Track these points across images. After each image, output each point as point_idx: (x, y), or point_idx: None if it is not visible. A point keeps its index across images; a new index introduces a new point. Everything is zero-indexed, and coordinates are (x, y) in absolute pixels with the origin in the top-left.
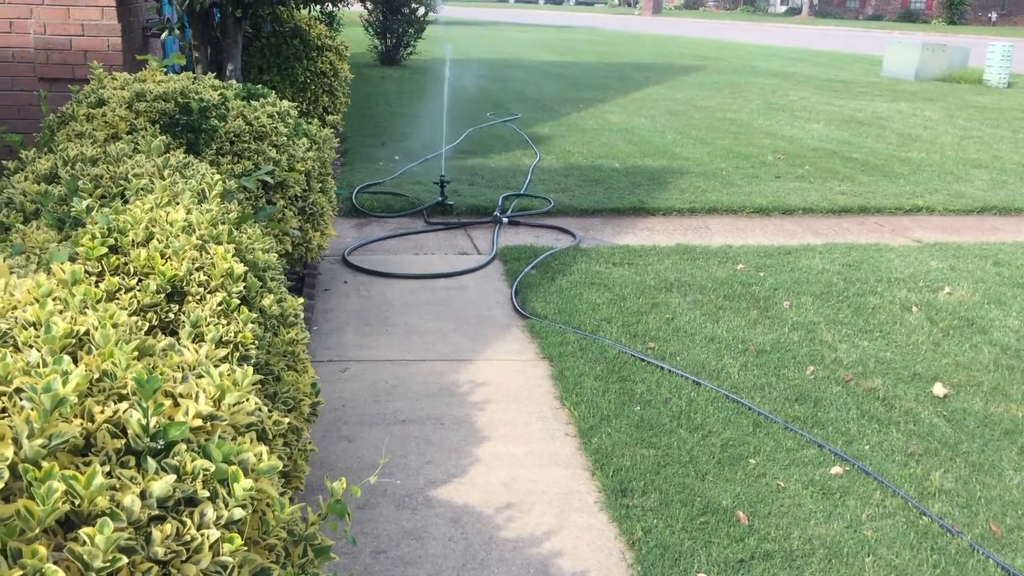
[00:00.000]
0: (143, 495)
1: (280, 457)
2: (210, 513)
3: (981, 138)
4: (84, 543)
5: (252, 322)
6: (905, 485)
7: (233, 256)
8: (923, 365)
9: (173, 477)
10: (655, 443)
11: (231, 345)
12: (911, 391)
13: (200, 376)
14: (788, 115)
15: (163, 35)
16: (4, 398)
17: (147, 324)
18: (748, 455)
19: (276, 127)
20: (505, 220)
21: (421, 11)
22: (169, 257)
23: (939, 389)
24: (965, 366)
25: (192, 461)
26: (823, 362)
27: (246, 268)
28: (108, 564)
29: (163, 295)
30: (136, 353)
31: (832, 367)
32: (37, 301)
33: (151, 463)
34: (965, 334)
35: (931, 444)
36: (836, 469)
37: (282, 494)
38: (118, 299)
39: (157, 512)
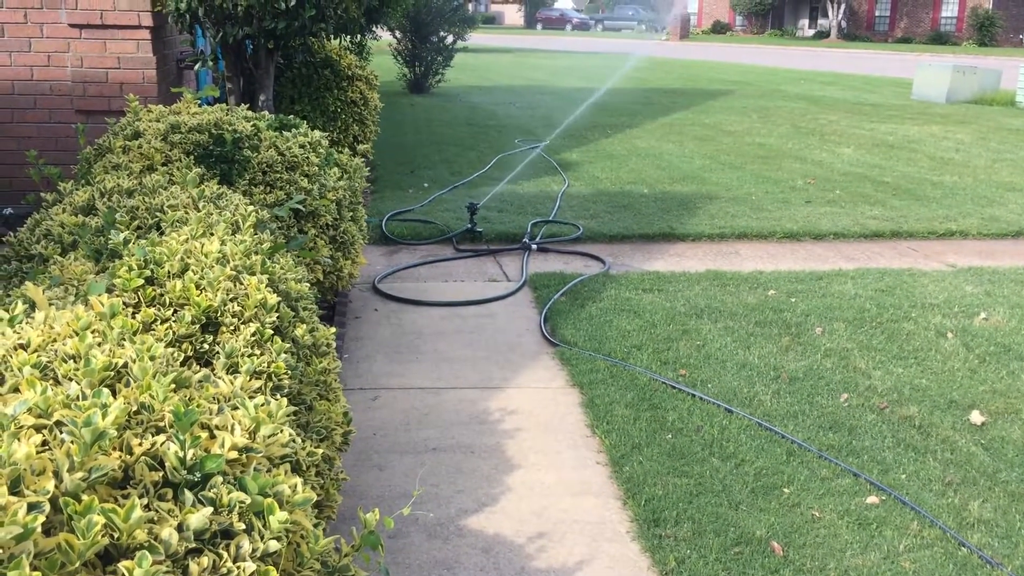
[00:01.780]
0: (180, 528)
1: (313, 487)
2: (246, 546)
3: (1015, 161)
4: None
5: (285, 352)
6: (943, 515)
7: (266, 286)
8: (959, 392)
9: (210, 510)
10: (687, 472)
11: (265, 375)
12: (947, 419)
13: (235, 408)
14: (818, 139)
15: (197, 67)
16: (45, 431)
17: (182, 355)
18: (782, 484)
19: (308, 157)
20: (534, 247)
21: (450, 39)
22: (204, 288)
23: (976, 417)
24: (1002, 393)
25: (228, 494)
26: (857, 389)
27: (279, 298)
28: None
29: (198, 326)
30: (173, 385)
31: (866, 394)
32: (76, 334)
33: (188, 496)
34: (1002, 360)
35: (969, 473)
36: (872, 499)
37: (315, 525)
38: (154, 330)
39: (194, 545)
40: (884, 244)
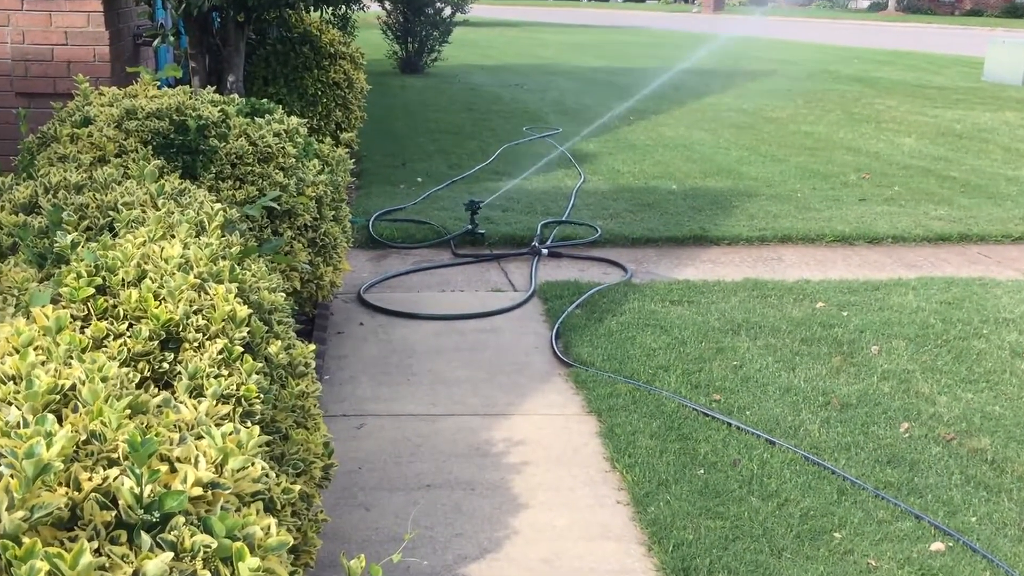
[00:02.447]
0: (136, 575)
1: (289, 529)
2: None
3: None
4: None
5: (257, 373)
6: (1020, 564)
7: (235, 297)
8: None
9: (170, 555)
10: (722, 513)
11: (234, 400)
12: None
13: (200, 437)
14: (873, 127)
15: (156, 43)
16: None
17: (138, 376)
18: (832, 528)
19: (283, 147)
20: (545, 251)
21: (447, 11)
22: (163, 298)
23: None
24: None
25: (191, 536)
26: (919, 418)
27: (250, 310)
28: None
29: (157, 342)
30: (128, 411)
31: (930, 424)
32: (17, 351)
33: (145, 538)
34: None
35: None
36: (937, 545)
37: (292, 573)
38: (106, 347)
39: None
40: (951, 249)
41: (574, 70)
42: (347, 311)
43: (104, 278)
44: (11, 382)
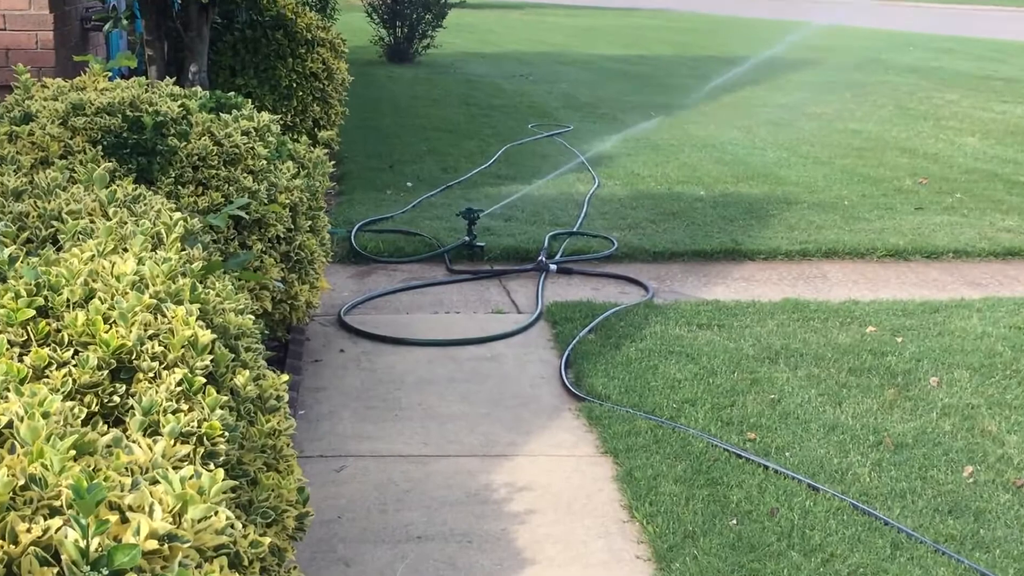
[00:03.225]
0: None
1: None
2: None
3: None
4: None
5: (221, 407)
6: None
7: (197, 320)
8: None
9: None
10: (759, 570)
11: (194, 438)
12: None
13: (155, 482)
14: (932, 125)
15: (107, 28)
16: None
17: (85, 411)
18: None
19: (253, 147)
20: (553, 267)
21: None
22: (114, 322)
23: None
24: None
25: None
26: (985, 460)
27: (214, 335)
28: None
29: (106, 372)
30: (73, 452)
31: (998, 467)
32: None
33: None
34: None
35: None
36: None
37: None
38: (48, 377)
39: None
40: (1021, 265)
41: (587, 59)
42: (326, 336)
43: (46, 298)
44: None
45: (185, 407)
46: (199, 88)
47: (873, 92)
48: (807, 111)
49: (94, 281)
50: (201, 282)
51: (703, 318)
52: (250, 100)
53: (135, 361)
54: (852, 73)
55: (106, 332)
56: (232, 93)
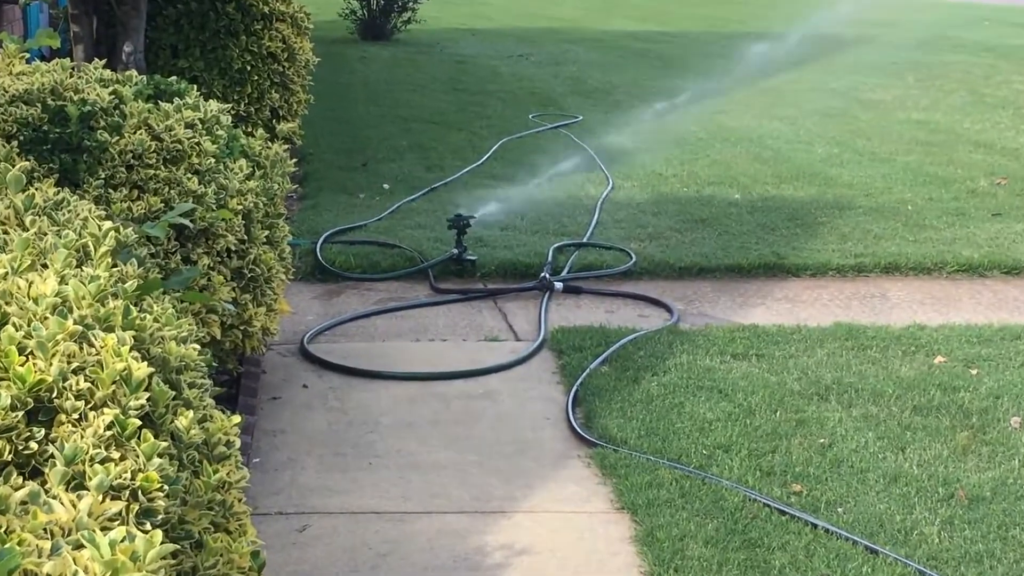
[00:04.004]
0: None
1: None
2: None
3: None
4: None
5: (160, 455)
6: None
7: (131, 350)
8: None
9: None
10: None
11: (128, 493)
12: None
13: (79, 546)
14: (1011, 114)
15: (23, 0)
16: None
17: None
18: None
19: (199, 143)
20: (559, 286)
21: None
22: (31, 353)
23: None
24: None
25: None
26: None
27: (151, 369)
28: None
29: (21, 413)
30: None
31: None
32: None
33: None
34: None
35: None
36: None
37: None
38: None
39: None
40: None
41: (599, 36)
42: (286, 368)
43: None
44: None
45: (116, 455)
46: (134, 72)
47: (940, 75)
48: (862, 98)
49: (7, 304)
50: (136, 305)
51: (739, 347)
52: (196, 86)
53: (56, 400)
54: (915, 52)
55: (21, 365)
56: (174, 78)
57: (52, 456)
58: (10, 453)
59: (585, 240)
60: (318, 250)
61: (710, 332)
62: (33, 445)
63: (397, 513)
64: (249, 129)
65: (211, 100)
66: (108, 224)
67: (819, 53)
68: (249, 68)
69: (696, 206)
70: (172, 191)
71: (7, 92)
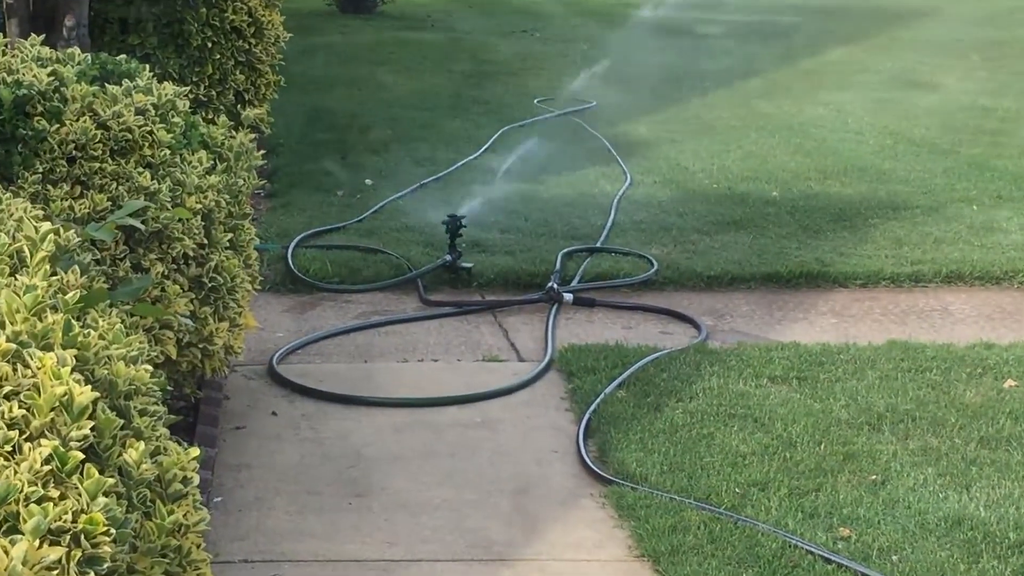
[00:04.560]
0: None
1: None
2: None
3: None
4: None
5: (106, 494)
6: None
7: (72, 372)
8: None
9: None
10: None
11: (68, 537)
12: None
13: None
14: None
15: None
16: None
17: None
18: None
19: (151, 131)
20: (568, 297)
21: None
22: None
23: None
24: None
25: None
26: None
27: (96, 393)
28: None
29: None
30: None
31: None
32: None
33: None
34: None
35: None
36: None
37: None
38: None
39: None
40: None
41: (615, 8)
42: (251, 392)
43: None
44: None
45: (55, 493)
46: (77, 50)
47: (1011, 54)
48: (920, 80)
49: None
50: (79, 319)
51: (777, 368)
52: (148, 66)
53: None
54: (982, 28)
55: None
56: (123, 56)
57: None
58: None
59: (599, 245)
60: (290, 256)
61: (744, 351)
62: None
63: (381, 561)
64: (210, 116)
65: (166, 82)
66: (46, 226)
67: (869, 27)
68: (210, 45)
69: (728, 205)
70: (120, 187)
71: None
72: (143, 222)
